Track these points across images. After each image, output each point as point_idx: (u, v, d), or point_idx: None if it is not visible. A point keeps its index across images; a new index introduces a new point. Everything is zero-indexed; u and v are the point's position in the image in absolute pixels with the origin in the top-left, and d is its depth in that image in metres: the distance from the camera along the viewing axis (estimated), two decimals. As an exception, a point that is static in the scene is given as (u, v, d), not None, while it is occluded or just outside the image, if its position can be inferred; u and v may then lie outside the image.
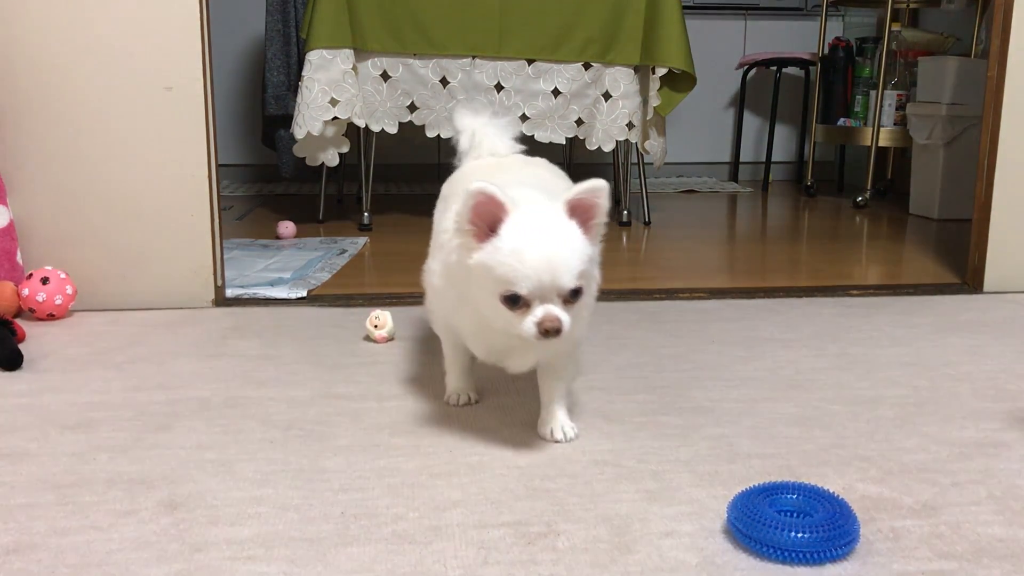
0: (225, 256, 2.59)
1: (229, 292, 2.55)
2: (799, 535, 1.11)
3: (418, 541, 1.15)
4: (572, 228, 1.29)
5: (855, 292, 2.63)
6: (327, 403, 1.73)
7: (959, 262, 2.88)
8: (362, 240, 3.45)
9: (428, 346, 2.03)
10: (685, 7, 3.78)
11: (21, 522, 1.26)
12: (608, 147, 3.69)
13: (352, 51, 3.43)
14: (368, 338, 2.13)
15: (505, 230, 1.27)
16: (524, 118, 3.58)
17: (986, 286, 2.63)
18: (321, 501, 1.33)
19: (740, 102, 5.63)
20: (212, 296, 2.48)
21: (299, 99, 3.47)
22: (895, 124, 4.56)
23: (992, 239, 2.62)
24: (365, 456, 1.48)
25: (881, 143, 4.55)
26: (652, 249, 3.53)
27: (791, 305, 2.44)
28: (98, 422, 1.64)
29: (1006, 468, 1.42)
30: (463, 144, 1.78)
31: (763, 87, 5.56)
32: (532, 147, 1.82)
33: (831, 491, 1.23)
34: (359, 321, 2.18)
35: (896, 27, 4.51)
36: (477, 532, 1.22)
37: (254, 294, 2.56)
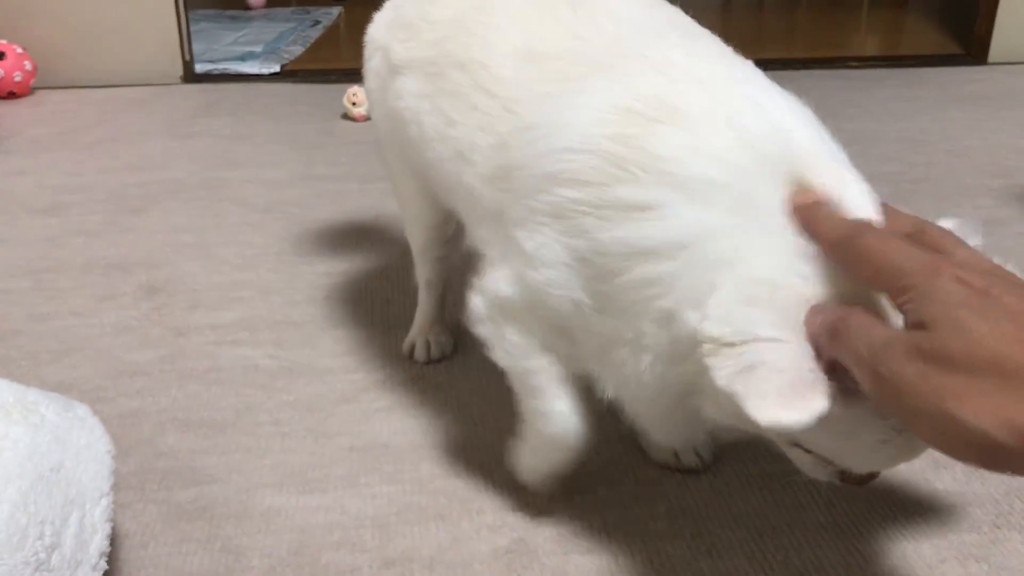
0: (192, 29, 2.44)
1: (198, 67, 2.42)
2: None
3: (406, 326, 1.14)
4: None
5: (854, 64, 2.53)
6: (306, 184, 1.67)
7: (964, 32, 2.75)
8: (336, 9, 3.26)
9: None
10: None
11: (-3, 309, 1.24)
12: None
13: None
14: (346, 116, 2.03)
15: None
16: None
17: (991, 56, 2.52)
18: (306, 284, 1.30)
19: None
20: (180, 72, 2.35)
21: None
22: None
23: (1002, 6, 2.48)
24: (348, 239, 1.44)
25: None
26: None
27: (788, 79, 2.30)
28: (70, 205, 1.59)
29: (999, 245, 1.39)
30: None
31: None
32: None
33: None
34: (336, 98, 2.07)
35: None
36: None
37: (224, 69, 2.43)
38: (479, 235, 0.83)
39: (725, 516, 0.85)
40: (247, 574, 0.79)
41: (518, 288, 0.73)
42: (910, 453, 0.59)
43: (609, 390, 0.73)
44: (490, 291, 0.76)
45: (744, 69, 0.73)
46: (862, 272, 0.54)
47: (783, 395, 0.52)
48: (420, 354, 1.10)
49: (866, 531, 0.82)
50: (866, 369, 0.49)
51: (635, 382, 0.68)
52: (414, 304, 1.13)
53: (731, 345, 0.54)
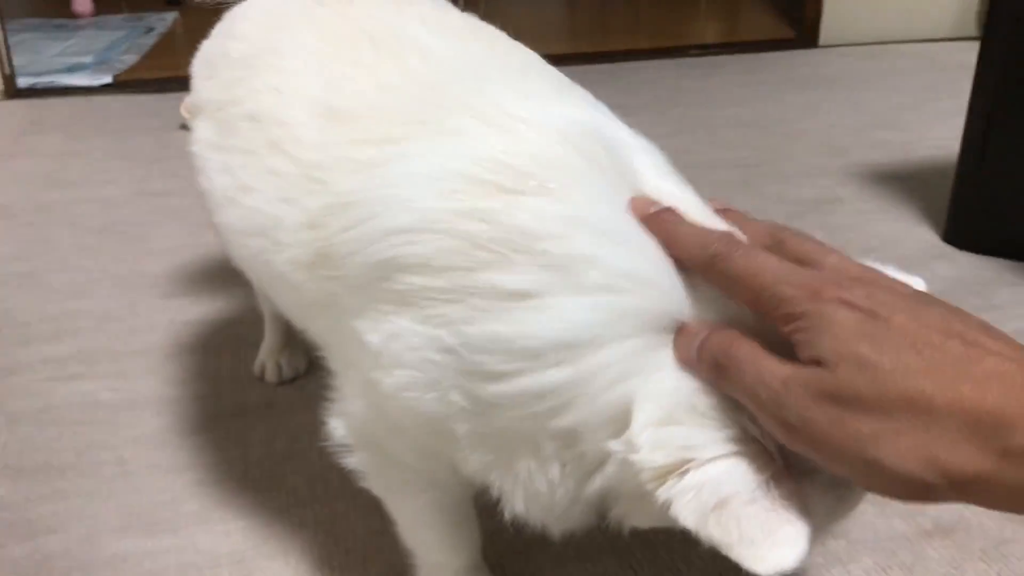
0: (12, 40, 2.29)
1: (21, 82, 2.27)
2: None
3: (257, 344, 1.09)
4: None
5: (695, 52, 2.59)
6: (145, 201, 1.59)
7: (795, 16, 2.86)
8: (171, 15, 3.12)
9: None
10: None
11: None
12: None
13: None
14: (184, 127, 1.94)
15: None
16: None
17: (821, 40, 2.64)
18: (147, 309, 1.23)
19: None
20: (1, 87, 2.20)
21: None
22: None
23: (828, -9, 2.60)
24: (192, 256, 1.37)
25: None
26: (488, 13, 3.35)
27: (632, 69, 2.38)
28: None
29: (840, 223, 1.45)
30: None
31: None
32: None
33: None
34: (174, 108, 1.98)
35: None
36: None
37: (51, 83, 2.29)
38: (310, 332, 0.69)
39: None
40: (92, 631, 0.74)
41: (372, 403, 0.60)
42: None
43: (517, 505, 0.57)
44: (345, 413, 0.64)
45: (583, 101, 0.64)
46: (736, 296, 0.50)
47: (769, 530, 0.46)
48: (271, 375, 1.06)
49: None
50: (769, 416, 0.45)
51: (546, 499, 0.56)
52: (263, 321, 1.08)
53: (675, 467, 0.48)
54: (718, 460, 0.48)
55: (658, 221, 0.52)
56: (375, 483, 0.67)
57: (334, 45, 0.69)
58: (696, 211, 0.55)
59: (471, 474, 0.59)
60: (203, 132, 0.75)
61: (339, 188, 0.60)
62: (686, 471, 0.48)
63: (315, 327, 0.67)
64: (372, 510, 0.85)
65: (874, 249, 1.32)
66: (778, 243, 0.53)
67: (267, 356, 1.07)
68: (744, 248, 0.50)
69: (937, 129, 1.86)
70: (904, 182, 1.61)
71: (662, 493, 0.48)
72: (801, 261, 0.50)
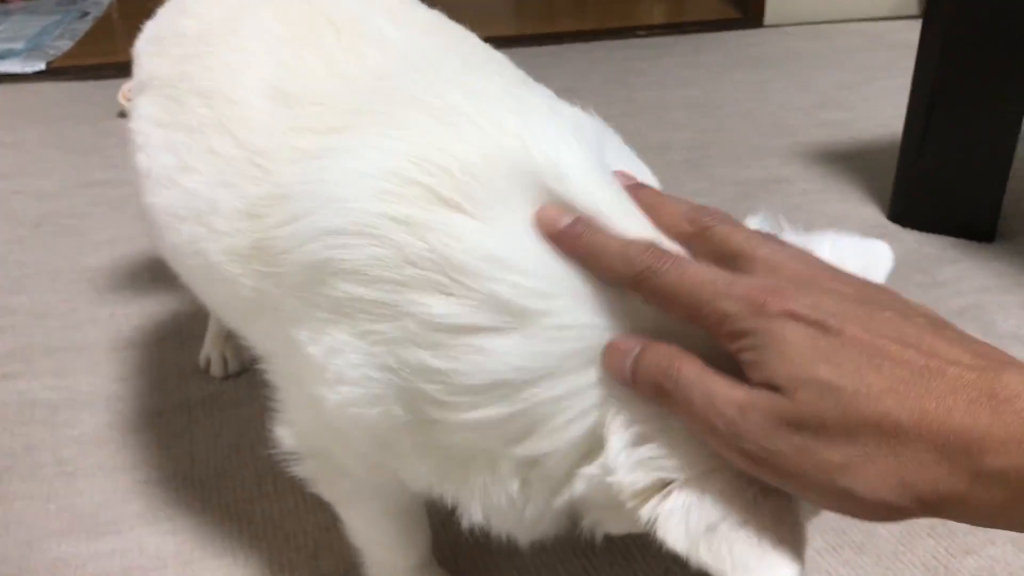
0: (-62, 26, 2.21)
1: (-50, 69, 2.19)
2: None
3: (202, 335, 1.06)
4: None
5: (642, 33, 2.58)
6: (82, 192, 1.54)
7: (740, -3, 2.87)
8: (108, -1, 3.04)
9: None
10: None
11: None
12: None
13: None
14: (122, 114, 1.89)
15: None
16: None
17: (767, 19, 2.65)
18: (86, 303, 1.19)
19: None
20: (-72, 75, 2.13)
21: None
22: None
23: (772, -29, 2.61)
24: (132, 249, 1.33)
25: None
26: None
27: (580, 51, 2.37)
28: None
29: (787, 203, 1.46)
30: None
31: None
32: None
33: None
34: (111, 95, 1.92)
35: None
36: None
37: (-19, 70, 2.22)
38: (248, 337, 0.65)
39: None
40: (33, 640, 0.71)
41: (317, 415, 0.56)
42: None
43: (475, 516, 0.55)
44: (290, 423, 0.61)
45: (531, 99, 0.58)
46: (672, 312, 0.46)
47: (761, 554, 0.43)
48: (217, 368, 1.03)
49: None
50: (727, 445, 0.42)
51: (509, 512, 0.54)
52: (207, 311, 1.06)
53: (656, 488, 0.45)
54: (701, 478, 0.45)
55: (571, 237, 0.48)
56: (324, 491, 0.66)
57: (295, 28, 0.66)
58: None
59: (421, 487, 0.57)
60: (147, 109, 0.72)
61: (279, 178, 0.57)
62: (669, 491, 0.45)
63: (252, 332, 0.64)
64: (321, 506, 0.83)
65: (821, 229, 1.33)
66: (701, 231, 0.49)
67: (212, 347, 1.04)
68: (674, 260, 0.46)
69: (882, 108, 1.88)
70: (850, 161, 1.63)
71: (645, 513, 0.45)
72: (732, 256, 0.47)
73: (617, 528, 0.53)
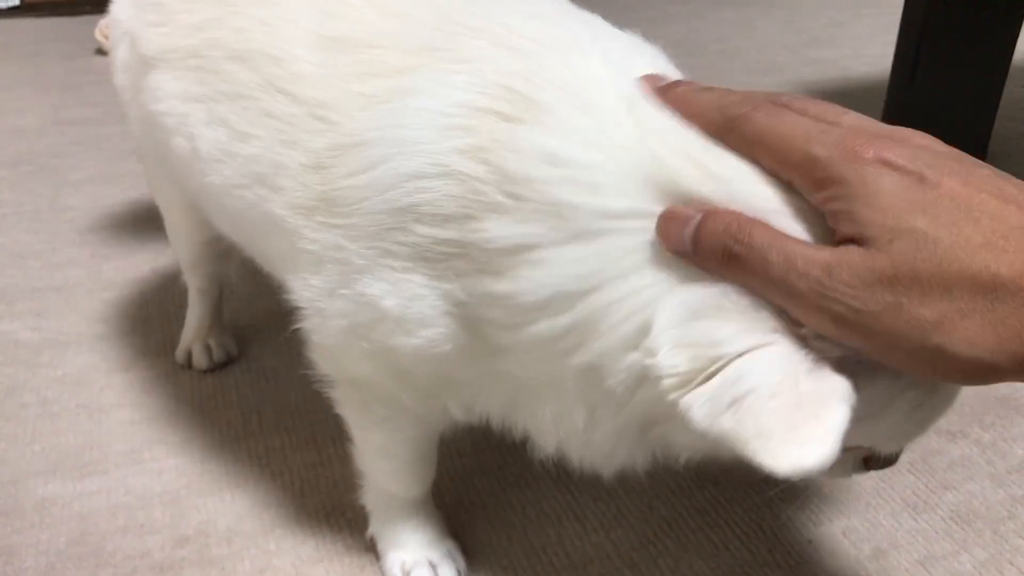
0: (-94, -41, 2.14)
1: (-80, 4, 2.14)
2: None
3: (180, 273, 1.05)
4: None
5: (629, -31, 2.55)
6: (60, 131, 1.52)
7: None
8: (82, -68, 2.96)
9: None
10: None
11: None
12: None
13: None
14: (100, 51, 1.85)
15: None
16: None
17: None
18: (67, 244, 1.18)
19: None
20: (-102, 10, 2.08)
21: None
22: None
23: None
24: (112, 188, 1.31)
25: None
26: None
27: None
28: None
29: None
30: None
31: None
32: None
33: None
34: (88, 32, 1.89)
35: None
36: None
37: (-47, 5, 2.16)
38: (296, 286, 0.60)
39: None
40: (21, 576, 0.72)
41: (380, 361, 0.57)
42: (943, 410, 0.49)
43: (548, 447, 0.55)
44: (332, 358, 0.61)
45: (590, 24, 0.58)
46: (760, 159, 0.44)
47: (790, 423, 0.40)
48: (201, 360, 0.95)
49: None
50: (810, 309, 0.40)
51: (580, 440, 0.53)
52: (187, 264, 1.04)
53: (699, 371, 0.42)
54: (750, 355, 0.41)
55: (672, 92, 0.48)
56: (351, 414, 0.65)
57: None
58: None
59: (474, 417, 0.58)
60: (171, 86, 0.66)
61: (348, 127, 0.55)
62: (712, 373, 0.42)
63: (308, 288, 0.59)
64: (307, 443, 0.84)
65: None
66: (786, 103, 0.46)
67: (194, 339, 0.97)
68: (767, 107, 0.45)
69: (871, 46, 1.86)
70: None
71: (679, 398, 0.42)
72: (820, 120, 0.44)
73: (683, 440, 0.50)
